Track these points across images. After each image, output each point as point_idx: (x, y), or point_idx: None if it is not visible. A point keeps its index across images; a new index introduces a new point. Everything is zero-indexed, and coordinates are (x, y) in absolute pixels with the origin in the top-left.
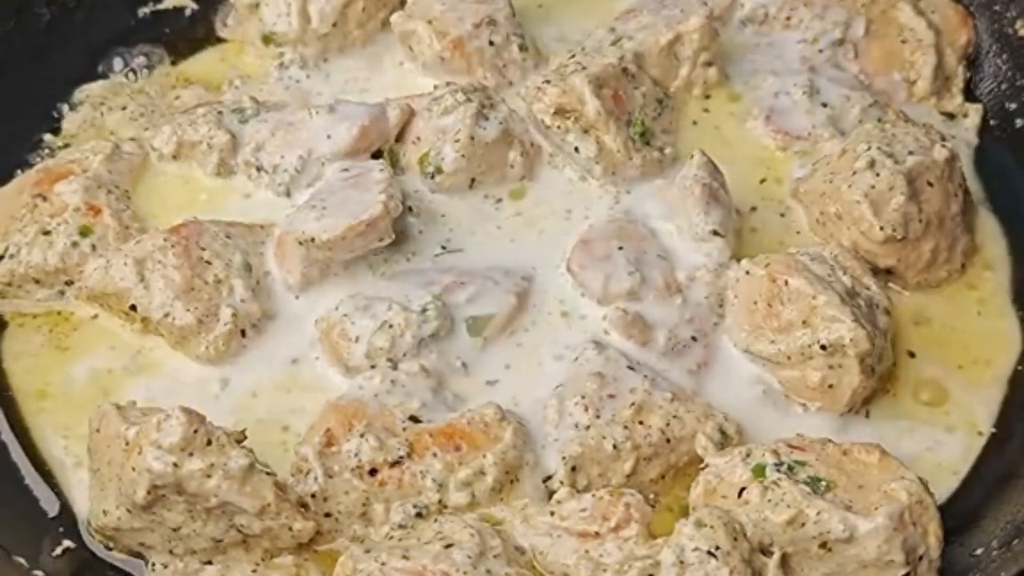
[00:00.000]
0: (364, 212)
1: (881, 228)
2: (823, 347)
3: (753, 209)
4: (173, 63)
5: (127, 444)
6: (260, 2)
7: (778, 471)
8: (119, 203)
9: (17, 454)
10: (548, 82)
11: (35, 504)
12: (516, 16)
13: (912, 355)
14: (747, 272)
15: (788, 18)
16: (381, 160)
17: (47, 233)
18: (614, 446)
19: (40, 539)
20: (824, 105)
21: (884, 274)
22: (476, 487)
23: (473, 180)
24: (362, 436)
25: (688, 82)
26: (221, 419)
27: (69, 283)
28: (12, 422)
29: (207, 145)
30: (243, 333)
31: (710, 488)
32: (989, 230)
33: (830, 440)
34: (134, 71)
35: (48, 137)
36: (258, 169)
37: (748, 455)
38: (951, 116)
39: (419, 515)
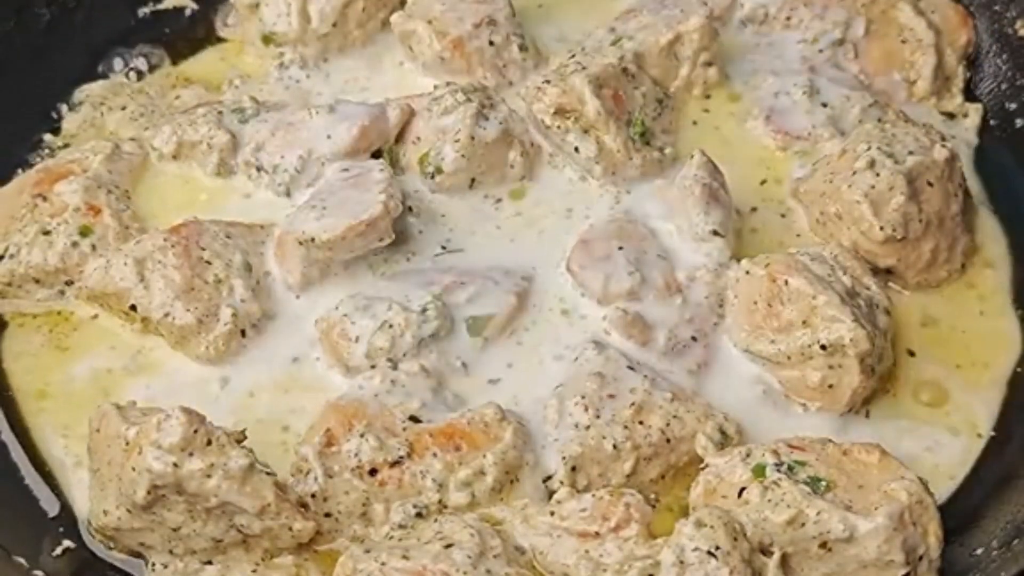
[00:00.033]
0: (364, 212)
1: (881, 228)
2: (823, 347)
3: (753, 209)
4: (173, 63)
5: (127, 444)
6: (260, 2)
7: (778, 471)
8: (119, 203)
9: (17, 454)
10: (548, 82)
11: (35, 504)
12: (516, 16)
13: (912, 355)
14: (747, 272)
15: (788, 18)
16: (381, 160)
17: (47, 233)
18: (614, 446)
19: (40, 539)
20: (824, 105)
21: (884, 274)
22: (476, 487)
23: (473, 180)
24: (362, 436)
25: (688, 82)
26: (221, 419)
27: (69, 283)
28: (12, 422)
29: (207, 145)
30: (243, 333)
31: (710, 488)
32: (989, 230)
33: (830, 440)
34: (134, 71)
35: (48, 137)
36: (258, 169)
37: (748, 455)
38: (951, 116)
39: (419, 515)
